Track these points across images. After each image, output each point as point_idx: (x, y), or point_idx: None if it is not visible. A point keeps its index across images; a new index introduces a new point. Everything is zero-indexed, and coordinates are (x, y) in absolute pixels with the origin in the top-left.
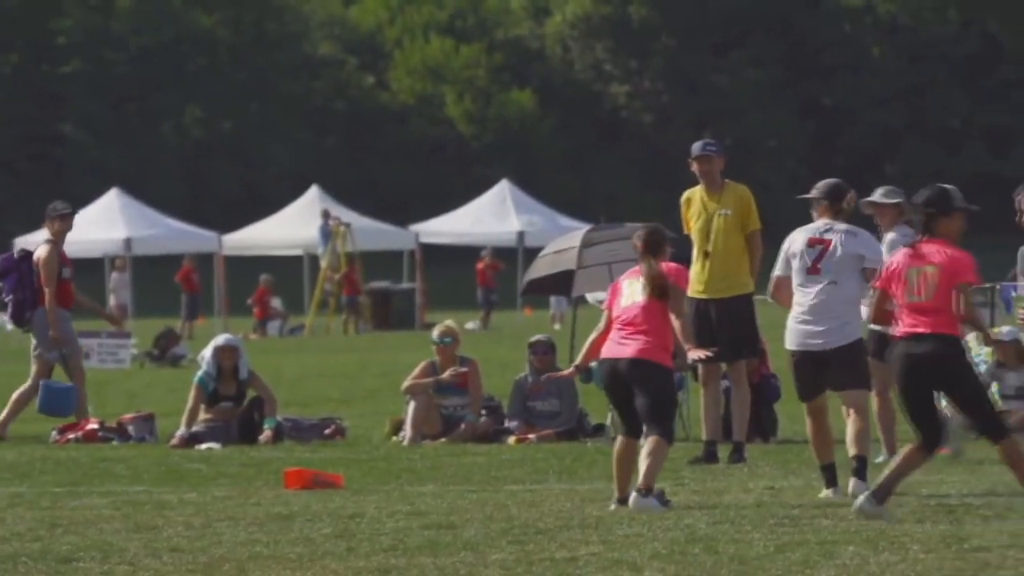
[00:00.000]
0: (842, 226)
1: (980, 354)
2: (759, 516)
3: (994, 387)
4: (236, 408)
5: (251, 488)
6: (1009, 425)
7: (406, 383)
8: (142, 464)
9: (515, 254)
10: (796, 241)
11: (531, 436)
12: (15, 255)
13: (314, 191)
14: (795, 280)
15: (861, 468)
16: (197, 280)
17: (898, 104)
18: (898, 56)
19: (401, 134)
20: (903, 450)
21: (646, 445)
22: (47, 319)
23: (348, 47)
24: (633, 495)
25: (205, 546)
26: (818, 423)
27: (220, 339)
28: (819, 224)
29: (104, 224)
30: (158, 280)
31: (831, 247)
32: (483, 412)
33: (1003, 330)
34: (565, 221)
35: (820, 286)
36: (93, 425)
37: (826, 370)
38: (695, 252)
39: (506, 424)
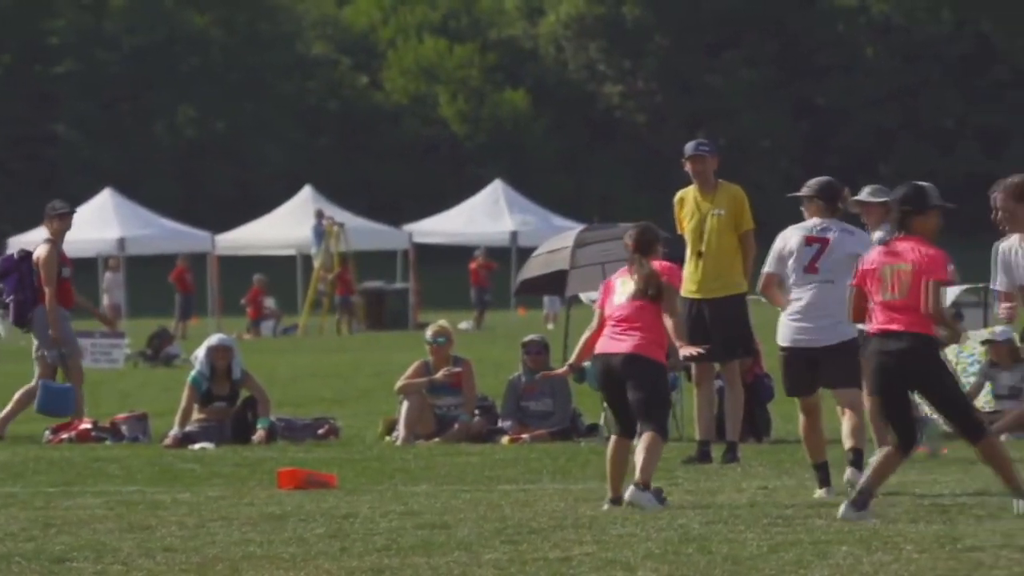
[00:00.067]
0: (839, 225)
1: (974, 353)
2: (753, 516)
3: (987, 387)
4: (229, 408)
5: (244, 488)
6: (986, 425)
7: (399, 383)
8: (136, 464)
9: (508, 254)
10: (791, 239)
11: (525, 436)
12: (15, 256)
13: (307, 191)
14: (791, 278)
15: (857, 459)
16: (191, 280)
17: (892, 104)
18: (892, 56)
19: (394, 134)
20: (879, 453)
21: (640, 441)
22: (47, 318)
23: (341, 47)
24: (630, 488)
25: (199, 546)
26: (811, 422)
27: (213, 339)
28: (815, 222)
29: (97, 224)
30: (151, 280)
31: (829, 246)
32: (477, 412)
33: (996, 330)
34: (558, 221)
35: (816, 284)
36: (86, 425)
37: (816, 368)
38: (688, 252)
39: (500, 424)
